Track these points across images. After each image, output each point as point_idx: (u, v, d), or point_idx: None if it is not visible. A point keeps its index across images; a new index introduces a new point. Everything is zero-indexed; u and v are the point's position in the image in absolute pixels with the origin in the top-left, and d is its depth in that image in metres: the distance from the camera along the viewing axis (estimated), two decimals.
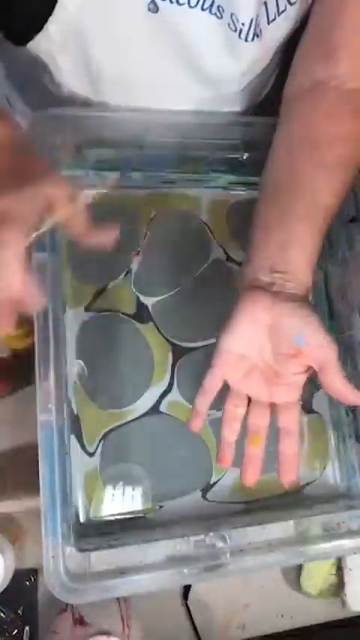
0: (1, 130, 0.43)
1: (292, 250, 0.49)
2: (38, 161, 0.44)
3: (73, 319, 0.61)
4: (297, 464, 0.50)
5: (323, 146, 0.51)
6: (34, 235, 0.41)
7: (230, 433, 0.51)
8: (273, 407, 0.51)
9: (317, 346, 0.47)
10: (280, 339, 0.48)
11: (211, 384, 0.50)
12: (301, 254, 0.49)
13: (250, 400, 0.51)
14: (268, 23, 0.54)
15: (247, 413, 0.51)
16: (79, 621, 0.55)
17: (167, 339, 0.63)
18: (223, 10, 0.51)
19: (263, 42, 0.55)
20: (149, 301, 0.64)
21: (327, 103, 0.52)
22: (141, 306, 0.64)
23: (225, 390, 0.52)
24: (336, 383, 0.47)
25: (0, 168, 0.42)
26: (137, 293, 0.64)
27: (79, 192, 0.43)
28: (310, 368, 0.48)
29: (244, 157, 0.63)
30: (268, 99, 0.67)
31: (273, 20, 0.54)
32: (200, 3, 0.51)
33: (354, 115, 0.52)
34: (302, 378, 0.49)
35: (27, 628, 0.62)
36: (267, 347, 0.49)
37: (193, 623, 0.66)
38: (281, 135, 0.55)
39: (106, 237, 0.47)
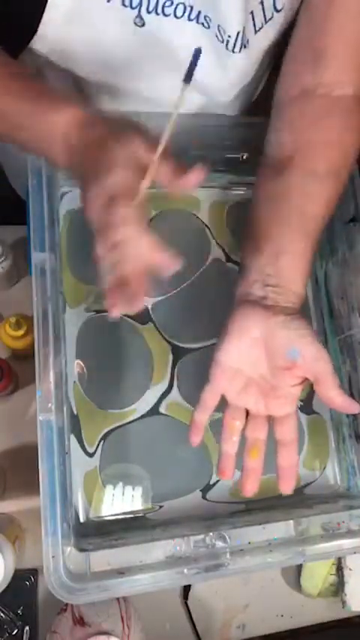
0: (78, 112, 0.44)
1: (283, 261, 0.49)
2: (124, 130, 0.43)
3: (73, 319, 0.61)
4: (295, 475, 0.50)
5: (313, 155, 0.51)
6: (137, 201, 0.41)
7: (230, 446, 0.51)
8: (270, 419, 0.51)
9: (311, 359, 0.47)
10: (274, 353, 0.48)
11: (209, 399, 0.50)
12: (293, 265, 0.49)
13: (248, 413, 0.51)
14: (255, 33, 0.53)
15: (245, 425, 0.51)
16: (79, 621, 0.55)
17: (167, 340, 0.63)
18: (210, 20, 0.51)
19: (251, 51, 0.55)
20: (149, 302, 0.64)
21: (315, 110, 0.52)
22: None
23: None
24: (332, 394, 0.47)
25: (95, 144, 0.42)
26: None
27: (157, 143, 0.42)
28: (305, 379, 0.48)
29: (244, 157, 0.63)
30: (262, 97, 0.67)
31: (260, 29, 0.53)
32: (187, 13, 0.50)
33: (342, 123, 0.52)
34: (298, 390, 0.49)
35: (27, 628, 0.62)
36: (262, 361, 0.49)
37: (193, 623, 0.66)
38: (271, 142, 0.54)
39: (198, 174, 0.43)
